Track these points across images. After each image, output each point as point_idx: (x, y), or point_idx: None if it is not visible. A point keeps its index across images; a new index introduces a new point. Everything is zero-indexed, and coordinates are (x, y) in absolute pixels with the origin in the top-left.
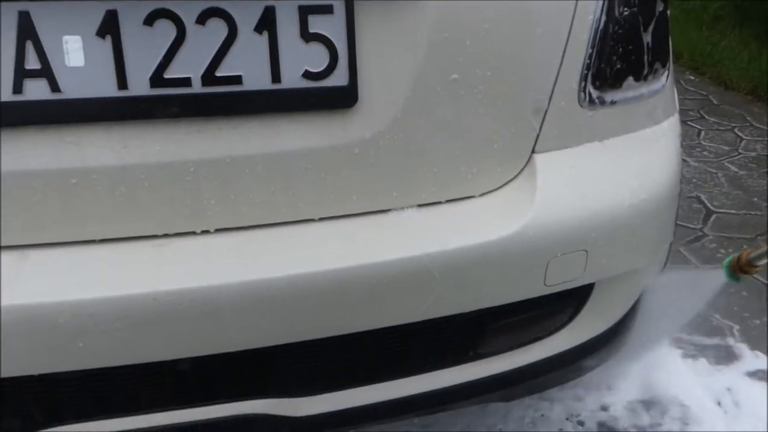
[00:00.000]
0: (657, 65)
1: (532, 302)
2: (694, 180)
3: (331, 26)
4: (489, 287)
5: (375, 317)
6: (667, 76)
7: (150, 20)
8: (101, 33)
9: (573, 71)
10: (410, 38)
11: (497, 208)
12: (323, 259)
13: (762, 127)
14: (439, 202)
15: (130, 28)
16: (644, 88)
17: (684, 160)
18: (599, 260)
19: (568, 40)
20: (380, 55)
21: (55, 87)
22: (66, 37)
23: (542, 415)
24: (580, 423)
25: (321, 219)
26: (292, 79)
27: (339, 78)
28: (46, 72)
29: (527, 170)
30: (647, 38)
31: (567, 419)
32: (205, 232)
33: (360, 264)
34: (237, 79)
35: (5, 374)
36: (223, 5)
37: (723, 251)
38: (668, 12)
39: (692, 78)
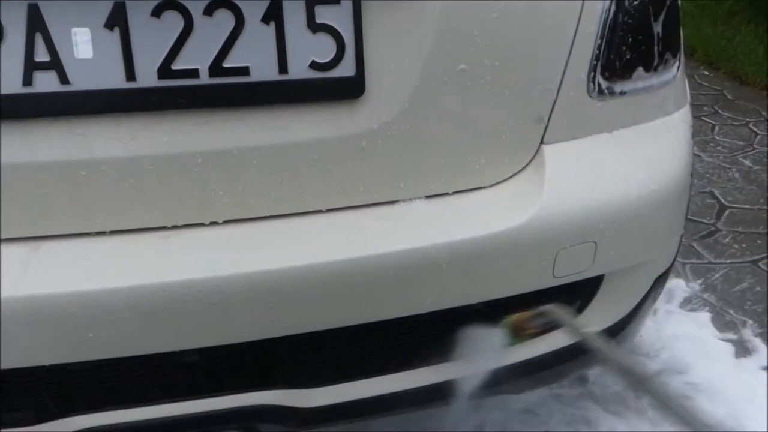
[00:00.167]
0: (668, 56)
1: (540, 294)
2: (708, 175)
3: (338, 16)
4: (497, 279)
5: (383, 309)
6: (678, 67)
7: (158, 12)
8: (109, 25)
9: (582, 61)
10: (418, 28)
11: (505, 199)
12: (331, 251)
13: None
14: (447, 194)
15: (138, 19)
16: (654, 79)
17: (697, 155)
18: (608, 252)
19: (576, 30)
20: (387, 45)
21: (64, 79)
22: (75, 29)
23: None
24: None
25: (328, 210)
26: (299, 69)
27: (346, 68)
28: (55, 64)
29: (536, 161)
30: (658, 28)
31: None
32: (213, 223)
33: (367, 255)
34: (244, 70)
35: (18, 364)
36: None
37: (736, 246)
38: (679, 1)
39: (706, 73)
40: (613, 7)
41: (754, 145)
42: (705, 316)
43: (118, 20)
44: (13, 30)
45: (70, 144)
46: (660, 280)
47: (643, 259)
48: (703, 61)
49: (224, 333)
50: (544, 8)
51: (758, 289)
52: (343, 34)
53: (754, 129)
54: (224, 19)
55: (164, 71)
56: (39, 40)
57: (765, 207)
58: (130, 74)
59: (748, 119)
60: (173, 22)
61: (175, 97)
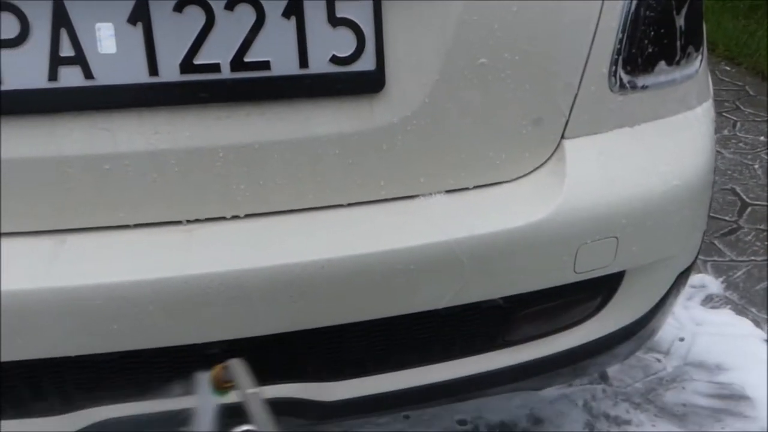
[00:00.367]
0: (690, 49)
1: (561, 290)
2: (729, 172)
3: (359, 10)
4: (518, 274)
5: (403, 303)
6: (701, 61)
7: (180, 7)
8: (132, 20)
9: (603, 56)
10: (438, 22)
11: (526, 194)
12: (351, 245)
13: None
14: (467, 188)
15: (161, 14)
16: (677, 73)
17: (719, 152)
18: (630, 247)
19: (598, 23)
20: (408, 38)
21: (88, 74)
22: (98, 25)
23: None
24: None
25: (349, 205)
26: (319, 64)
27: (366, 63)
28: (79, 59)
29: (556, 156)
30: (680, 21)
31: None
32: (235, 217)
33: (388, 249)
34: (265, 65)
35: (44, 355)
36: None
37: (759, 244)
38: None
39: (728, 69)
40: (635, 0)
41: None
42: (727, 313)
43: (141, 15)
44: (38, 26)
45: (94, 138)
46: (682, 277)
47: (665, 255)
48: (724, 56)
49: (245, 326)
50: (565, 2)
51: None
52: (363, 29)
53: None
54: (245, 14)
55: (186, 66)
56: (64, 35)
57: None
58: (153, 69)
59: None
60: (195, 16)
61: (196, 91)
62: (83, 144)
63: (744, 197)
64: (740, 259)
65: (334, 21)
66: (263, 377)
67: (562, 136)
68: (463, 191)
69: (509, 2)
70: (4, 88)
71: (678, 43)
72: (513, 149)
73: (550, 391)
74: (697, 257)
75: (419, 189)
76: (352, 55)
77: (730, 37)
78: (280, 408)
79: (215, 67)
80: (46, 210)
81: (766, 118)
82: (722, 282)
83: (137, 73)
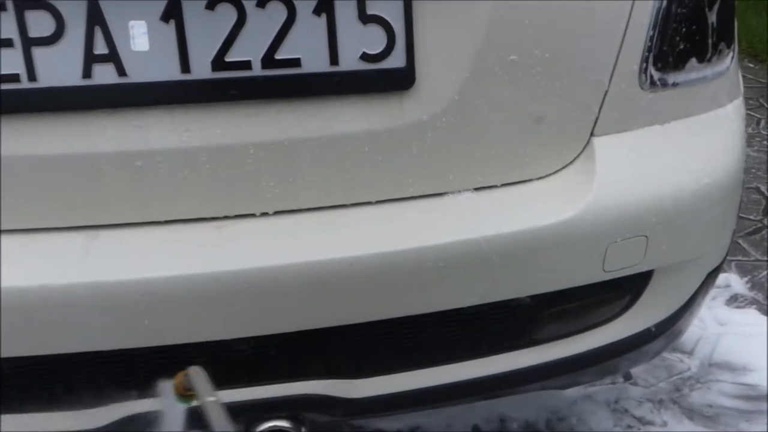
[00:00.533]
0: (722, 46)
1: (589, 288)
2: (753, 170)
3: (389, 7)
4: (547, 272)
5: (431, 301)
6: (732, 58)
7: (212, 4)
8: (165, 18)
9: (634, 52)
10: (469, 18)
11: (555, 192)
12: (380, 242)
13: None
14: (496, 186)
15: (193, 12)
16: (708, 70)
17: None
18: (659, 246)
19: (629, 19)
20: (438, 35)
21: (121, 71)
22: (132, 23)
23: None
24: None
25: (377, 202)
26: (349, 61)
27: (396, 60)
28: (113, 57)
29: (585, 153)
30: (712, 18)
31: None
32: (264, 214)
33: (417, 247)
34: (296, 62)
35: (76, 349)
36: None
37: None
38: None
39: (751, 65)
40: None
41: None
42: (752, 313)
43: (173, 13)
44: (73, 24)
45: (127, 135)
46: (711, 276)
47: (695, 254)
48: (747, 53)
49: (274, 323)
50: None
51: None
52: (393, 26)
53: None
54: (276, 11)
55: (218, 63)
56: (98, 33)
57: None
58: (185, 66)
59: None
60: (227, 14)
61: (228, 88)
62: (116, 141)
63: None
64: (765, 258)
65: (365, 18)
66: (290, 374)
67: (592, 134)
68: (491, 189)
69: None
70: (39, 85)
71: (709, 40)
72: (542, 147)
73: (573, 391)
74: (726, 256)
75: (447, 186)
76: (382, 52)
77: (754, 33)
78: (307, 405)
79: (246, 65)
80: (78, 206)
81: None
82: (747, 282)
83: (169, 71)
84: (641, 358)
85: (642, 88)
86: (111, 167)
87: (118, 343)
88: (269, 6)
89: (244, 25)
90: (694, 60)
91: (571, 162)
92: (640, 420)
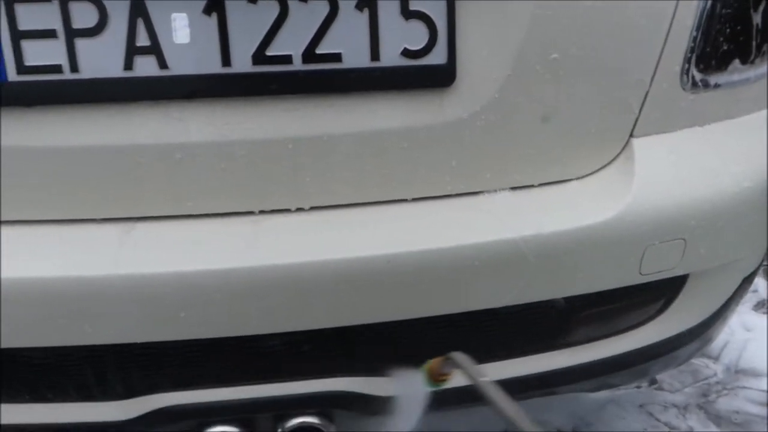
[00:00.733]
0: (765, 48)
1: (625, 291)
2: None
3: (432, 3)
4: (583, 273)
5: (466, 300)
6: None
7: None
8: (207, 10)
9: (677, 53)
10: (512, 15)
11: (593, 193)
12: (416, 240)
13: None
14: (533, 185)
15: (235, 5)
16: (751, 72)
17: None
18: (697, 250)
19: (673, 19)
20: (480, 32)
21: (162, 63)
22: (174, 15)
23: None
24: None
25: (414, 199)
26: (390, 57)
27: (437, 56)
28: (155, 49)
29: (624, 154)
30: (757, 19)
31: None
32: (300, 209)
33: (454, 246)
34: (337, 57)
35: (112, 341)
36: None
37: None
38: None
39: None
40: None
41: None
42: None
43: (216, 6)
44: (116, 16)
45: (166, 128)
46: (747, 281)
47: (732, 258)
48: None
49: (309, 319)
50: None
51: None
52: (436, 22)
53: None
54: (319, 6)
55: (259, 57)
56: (140, 25)
57: None
58: (226, 60)
59: None
60: (269, 8)
61: (268, 83)
62: (156, 133)
63: None
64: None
65: (407, 14)
66: (321, 370)
67: (631, 134)
68: (528, 188)
69: None
70: (81, 76)
71: (754, 42)
72: (581, 146)
73: (600, 395)
74: (762, 261)
75: (484, 185)
76: (423, 48)
77: None
78: (337, 401)
79: (287, 59)
80: (116, 198)
81: None
82: None
83: (210, 64)
84: (672, 362)
85: (683, 89)
86: (150, 159)
87: (152, 336)
88: (312, 0)
89: (285, 19)
90: (737, 61)
91: (610, 162)
92: (667, 425)
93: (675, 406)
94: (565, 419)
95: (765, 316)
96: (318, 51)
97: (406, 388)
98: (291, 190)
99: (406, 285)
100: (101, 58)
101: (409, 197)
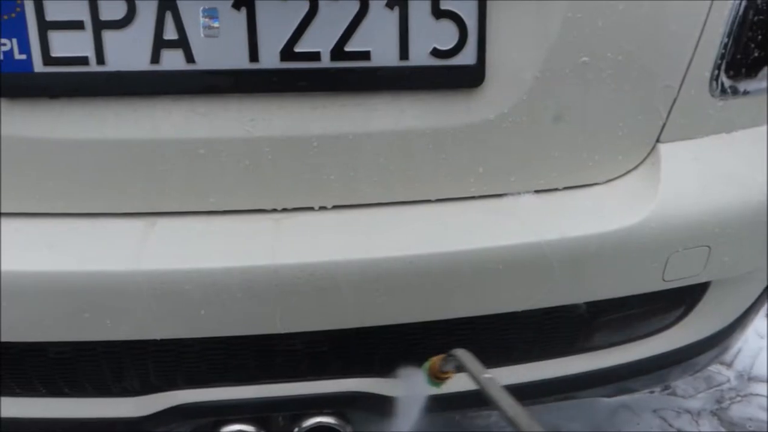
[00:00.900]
0: None
1: (646, 297)
2: None
3: (463, 3)
4: (606, 279)
5: (488, 303)
6: None
7: None
8: (237, 5)
9: (706, 59)
10: (543, 17)
11: (618, 198)
12: (440, 242)
13: None
14: (557, 189)
15: (266, 0)
16: None
17: None
18: (721, 258)
19: (704, 26)
20: (510, 33)
21: (189, 58)
22: (203, 9)
23: None
24: None
25: (437, 200)
26: (419, 56)
27: (467, 57)
28: (182, 42)
29: (650, 160)
30: None
31: None
32: (323, 208)
33: (477, 248)
34: (365, 55)
35: (132, 337)
36: None
37: None
38: None
39: None
40: (744, 2)
41: None
42: None
43: (245, 1)
44: (144, 8)
45: (191, 122)
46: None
47: (755, 266)
48: None
49: (329, 319)
50: (672, 4)
51: None
52: (466, 22)
53: None
54: (349, 3)
55: (287, 53)
56: (168, 18)
57: None
58: (254, 55)
59: None
60: (299, 4)
61: (295, 79)
62: (180, 128)
63: None
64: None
65: (438, 13)
66: (339, 370)
67: (658, 140)
68: (552, 192)
69: (617, 0)
70: (107, 69)
71: None
72: (606, 151)
73: (612, 399)
74: None
75: (508, 188)
76: (453, 48)
77: None
78: (354, 402)
79: (315, 56)
80: (138, 192)
81: None
82: None
83: (238, 59)
84: (690, 369)
85: (712, 96)
86: (173, 154)
87: (172, 333)
88: None
89: (315, 15)
90: (767, 68)
91: (635, 167)
92: (680, 431)
93: (688, 411)
94: (578, 423)
95: None
96: (347, 49)
97: (408, 388)
98: (314, 189)
99: (428, 287)
100: (128, 50)
101: (432, 198)
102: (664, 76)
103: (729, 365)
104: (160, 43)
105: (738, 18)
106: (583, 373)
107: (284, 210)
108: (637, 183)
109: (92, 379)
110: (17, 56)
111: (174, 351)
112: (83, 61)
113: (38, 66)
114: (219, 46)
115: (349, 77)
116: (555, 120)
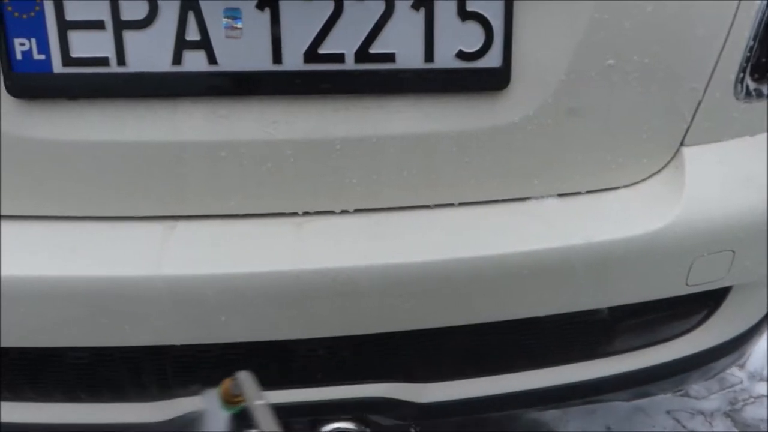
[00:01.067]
0: None
1: (668, 301)
2: None
3: (490, 5)
4: (630, 284)
5: (510, 309)
6: None
7: None
8: (261, 5)
9: (732, 61)
10: (569, 19)
11: (642, 202)
12: (464, 247)
13: None
14: (579, 193)
15: (289, 1)
16: None
17: None
18: (744, 262)
19: (730, 28)
20: (536, 36)
21: (212, 59)
22: (226, 9)
23: None
24: None
25: (460, 204)
26: (445, 58)
27: (492, 59)
28: (204, 43)
29: (674, 163)
30: None
31: None
32: (344, 211)
33: (502, 253)
34: (390, 57)
35: (152, 343)
36: None
37: None
38: None
39: None
40: None
41: None
42: None
43: (269, 1)
44: (166, 8)
45: (212, 125)
46: None
47: None
48: None
49: (350, 325)
50: (699, 7)
51: None
52: (492, 23)
53: None
54: (374, 4)
55: (310, 55)
56: (191, 18)
57: None
58: (277, 57)
59: None
60: (324, 5)
61: (319, 81)
62: (201, 130)
63: None
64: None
65: (464, 15)
66: (358, 375)
67: (682, 143)
68: (575, 195)
69: (644, 3)
70: (128, 70)
71: None
72: (630, 154)
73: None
74: None
75: (532, 191)
76: (479, 50)
77: None
78: (373, 407)
79: (339, 58)
80: (158, 195)
81: None
82: None
83: (261, 61)
84: (708, 373)
85: (736, 98)
86: (194, 157)
87: (192, 339)
88: None
89: (340, 16)
90: None
91: (659, 171)
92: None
93: (702, 413)
94: (592, 425)
95: None
96: (371, 50)
97: (208, 410)
98: (336, 192)
99: (452, 293)
100: (149, 51)
101: (455, 202)
102: (689, 78)
103: (741, 366)
104: (182, 44)
105: (765, 20)
106: (604, 377)
107: (305, 213)
108: (661, 186)
109: (110, 385)
110: (36, 56)
111: (193, 356)
112: (103, 61)
113: (57, 66)
114: (241, 48)
115: (373, 79)
116: (579, 122)
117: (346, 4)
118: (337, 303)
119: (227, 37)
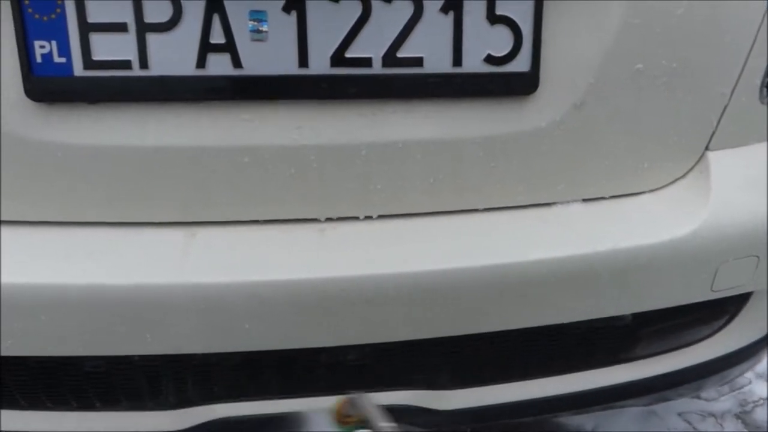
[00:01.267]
0: None
1: (691, 307)
2: None
3: (519, 8)
4: (656, 289)
5: (536, 316)
6: None
7: None
8: (287, 8)
9: (758, 66)
10: (599, 24)
11: (667, 207)
12: (490, 253)
13: None
14: (604, 198)
15: (316, 4)
16: None
17: None
18: (765, 267)
19: (757, 33)
20: (565, 40)
21: (237, 62)
22: (252, 12)
23: None
24: None
25: (485, 209)
26: (473, 62)
27: (521, 63)
28: (229, 47)
29: (698, 167)
30: None
31: None
32: (368, 217)
33: (529, 260)
34: (418, 61)
35: (172, 351)
36: None
37: None
38: None
39: None
40: None
41: None
42: None
43: (296, 4)
44: (191, 11)
45: (236, 129)
46: None
47: None
48: None
49: (375, 332)
50: (728, 10)
51: None
52: (521, 27)
53: None
54: (403, 7)
55: (337, 59)
56: (216, 21)
57: None
58: (303, 60)
59: None
60: (351, 8)
61: (345, 86)
62: (225, 135)
63: None
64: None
65: (493, 18)
66: (381, 383)
67: (707, 147)
68: (600, 200)
69: (674, 7)
70: (150, 73)
71: None
72: (655, 158)
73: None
74: None
75: (557, 196)
76: (507, 54)
77: None
78: (395, 414)
79: (367, 62)
80: (179, 201)
81: None
82: None
83: (286, 65)
84: (726, 378)
85: (762, 103)
86: (216, 162)
87: (214, 347)
88: (395, 2)
89: (367, 20)
90: None
91: (684, 176)
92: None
93: (712, 415)
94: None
95: None
96: (399, 54)
97: (316, 428)
98: (360, 198)
99: (477, 300)
100: (173, 54)
101: (480, 207)
102: (716, 83)
103: (752, 369)
104: (206, 47)
105: None
106: (625, 382)
107: (328, 220)
108: (686, 192)
109: (126, 393)
110: (56, 59)
111: (212, 364)
112: (125, 65)
113: (78, 70)
114: (267, 51)
115: (401, 84)
116: (606, 127)
117: (374, 6)
118: (360, 311)
119: (253, 40)
